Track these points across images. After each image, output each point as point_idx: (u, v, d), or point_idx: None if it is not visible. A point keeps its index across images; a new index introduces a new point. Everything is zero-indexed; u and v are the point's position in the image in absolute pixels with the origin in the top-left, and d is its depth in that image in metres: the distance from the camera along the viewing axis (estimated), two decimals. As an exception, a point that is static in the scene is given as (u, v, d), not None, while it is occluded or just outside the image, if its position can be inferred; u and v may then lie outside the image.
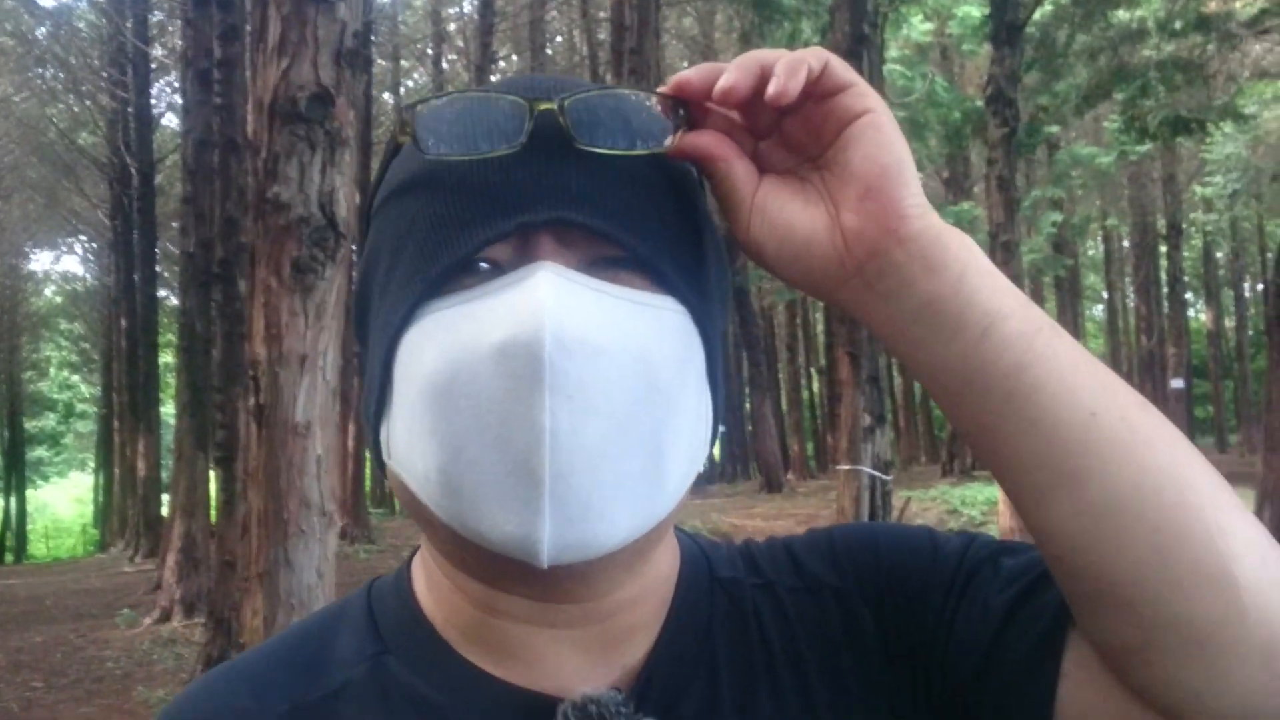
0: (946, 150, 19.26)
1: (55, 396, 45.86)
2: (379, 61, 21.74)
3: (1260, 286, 33.78)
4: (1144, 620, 0.64)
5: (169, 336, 23.71)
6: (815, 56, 0.68)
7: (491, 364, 0.64)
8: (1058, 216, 20.78)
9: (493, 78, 18.55)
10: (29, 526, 34.92)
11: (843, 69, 0.69)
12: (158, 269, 21.93)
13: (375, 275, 0.75)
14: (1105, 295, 40.50)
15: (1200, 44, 14.93)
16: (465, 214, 0.68)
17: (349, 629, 0.80)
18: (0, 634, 12.15)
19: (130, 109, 19.56)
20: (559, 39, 25.96)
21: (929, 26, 18.00)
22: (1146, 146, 17.88)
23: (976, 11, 16.46)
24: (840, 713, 0.78)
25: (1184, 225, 26.68)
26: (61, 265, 54.32)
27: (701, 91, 0.69)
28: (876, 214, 0.68)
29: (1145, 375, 31.53)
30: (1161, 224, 26.90)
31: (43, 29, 23.74)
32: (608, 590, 0.73)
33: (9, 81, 24.60)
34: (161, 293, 23.12)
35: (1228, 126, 16.95)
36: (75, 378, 44.80)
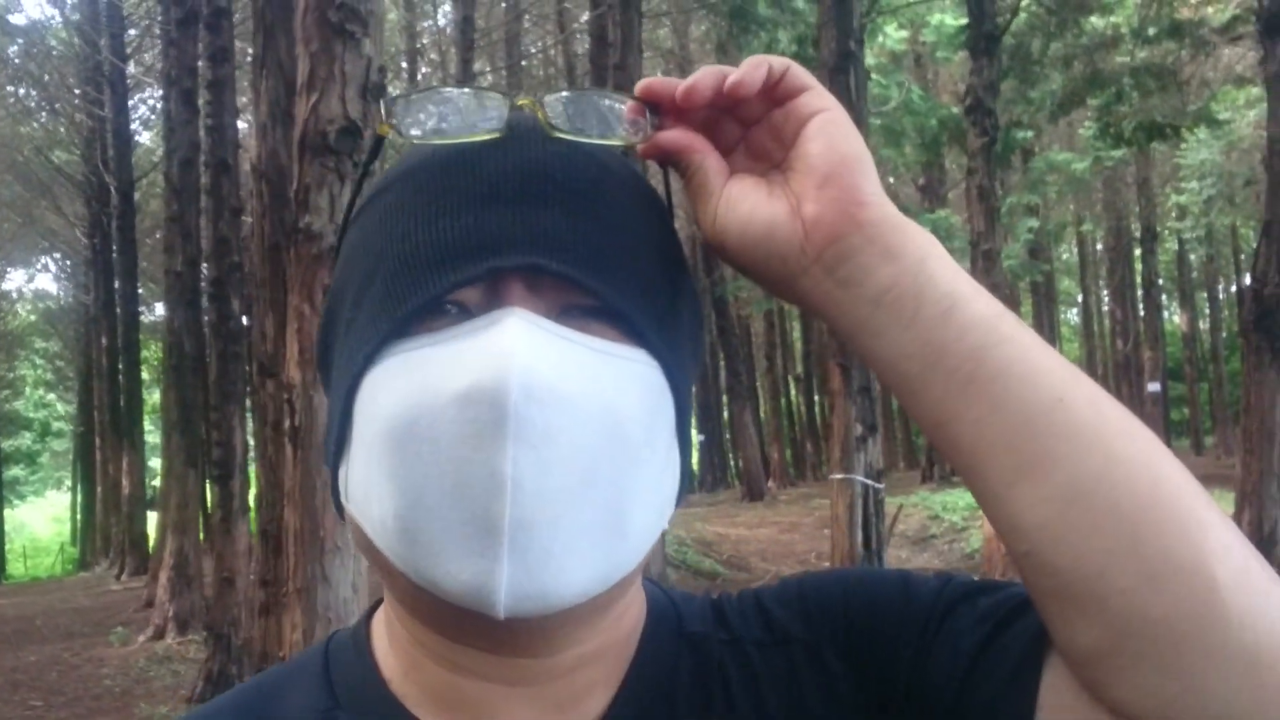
0: (923, 158, 19.46)
1: (31, 415, 45.59)
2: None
3: (1234, 289, 34.16)
4: (1116, 620, 0.61)
5: (145, 354, 23.66)
6: (777, 61, 0.70)
7: (454, 410, 0.62)
8: (1034, 222, 21.01)
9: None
10: (6, 546, 34.67)
11: (802, 74, 0.70)
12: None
13: (341, 310, 0.73)
14: (1080, 300, 40.68)
15: (1173, 50, 15.15)
16: (435, 254, 0.67)
17: (303, 683, 0.78)
18: (-6, 654, 12.16)
19: (108, 126, 19.55)
20: (535, 52, 26.05)
21: (904, 34, 18.21)
22: (1121, 152, 18.07)
23: (950, 20, 16.69)
24: None
25: (1158, 229, 26.96)
26: (35, 283, 53.98)
27: (666, 93, 0.71)
28: (836, 200, 0.68)
29: (1121, 379, 31.79)
30: (1136, 228, 27.18)
31: (14, 46, 23.66)
32: (566, 645, 0.71)
33: (-18, 100, 24.50)
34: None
35: (1201, 132, 17.20)
36: (51, 396, 44.56)
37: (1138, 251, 27.28)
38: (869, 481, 7.84)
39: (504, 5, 22.50)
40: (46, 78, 23.51)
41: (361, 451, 0.68)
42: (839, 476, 7.88)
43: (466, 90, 0.72)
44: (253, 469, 8.82)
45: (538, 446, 0.62)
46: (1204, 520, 0.62)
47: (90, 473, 26.81)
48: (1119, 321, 30.38)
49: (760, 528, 17.87)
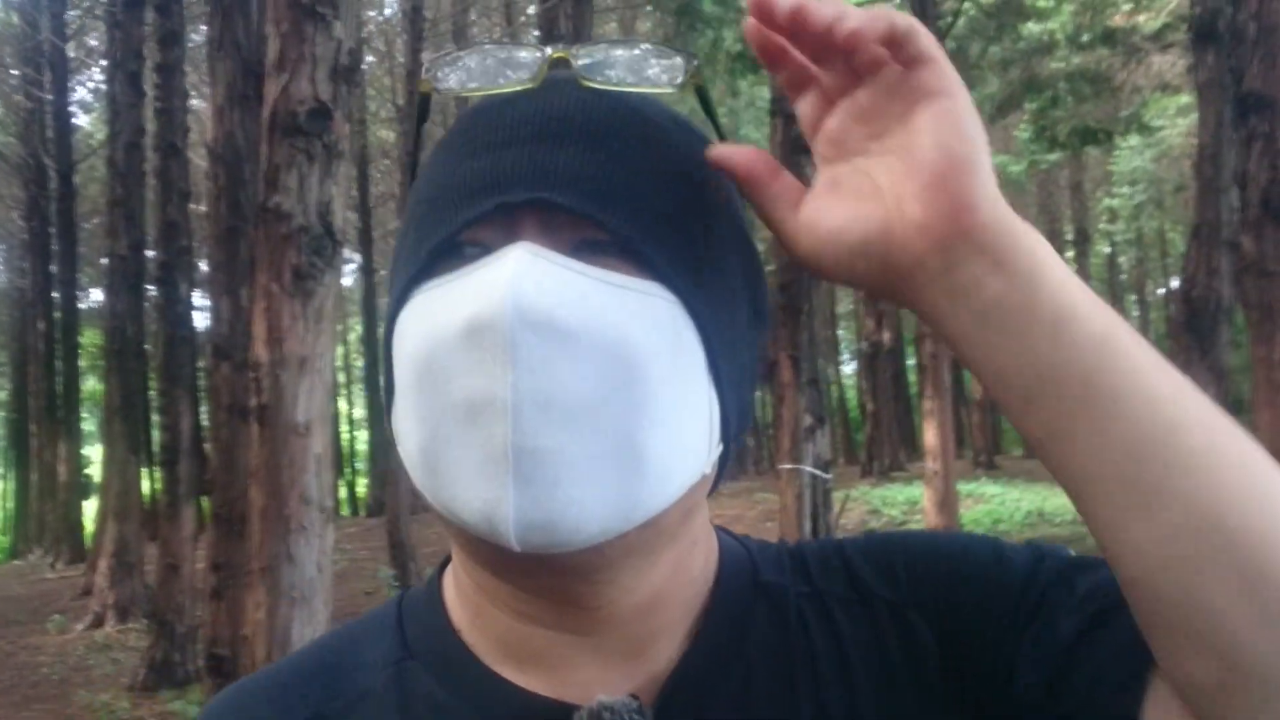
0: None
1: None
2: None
3: (1162, 291, 34.86)
4: (1228, 657, 0.59)
5: (82, 340, 23.28)
6: (901, 20, 0.63)
7: (460, 340, 0.63)
8: (972, 223, 21.30)
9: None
10: (-68, 534, 33.92)
11: (927, 41, 0.63)
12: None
13: (395, 265, 0.75)
14: (1014, 299, 41.36)
15: (1107, 57, 15.49)
16: (454, 196, 0.68)
17: (376, 636, 0.79)
18: (-72, 642, 11.97)
19: (47, 108, 19.25)
20: (483, 44, 25.94)
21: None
22: (1056, 155, 18.42)
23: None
24: None
25: (1090, 232, 27.46)
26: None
27: (779, 11, 0.63)
28: (944, 206, 0.63)
29: (1053, 376, 32.37)
30: (1069, 231, 27.67)
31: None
32: (613, 595, 0.71)
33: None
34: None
35: (1133, 138, 17.57)
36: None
37: (1070, 253, 27.74)
38: (817, 472, 7.98)
39: (452, -5, 22.43)
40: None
41: (398, 394, 0.69)
42: (788, 467, 8.00)
43: (504, 45, 0.72)
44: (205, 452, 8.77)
45: (536, 370, 0.61)
46: None
47: (24, 460, 26.32)
48: (1053, 321, 30.81)
49: (701, 520, 17.94)
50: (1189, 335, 12.09)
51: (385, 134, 25.82)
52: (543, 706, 0.71)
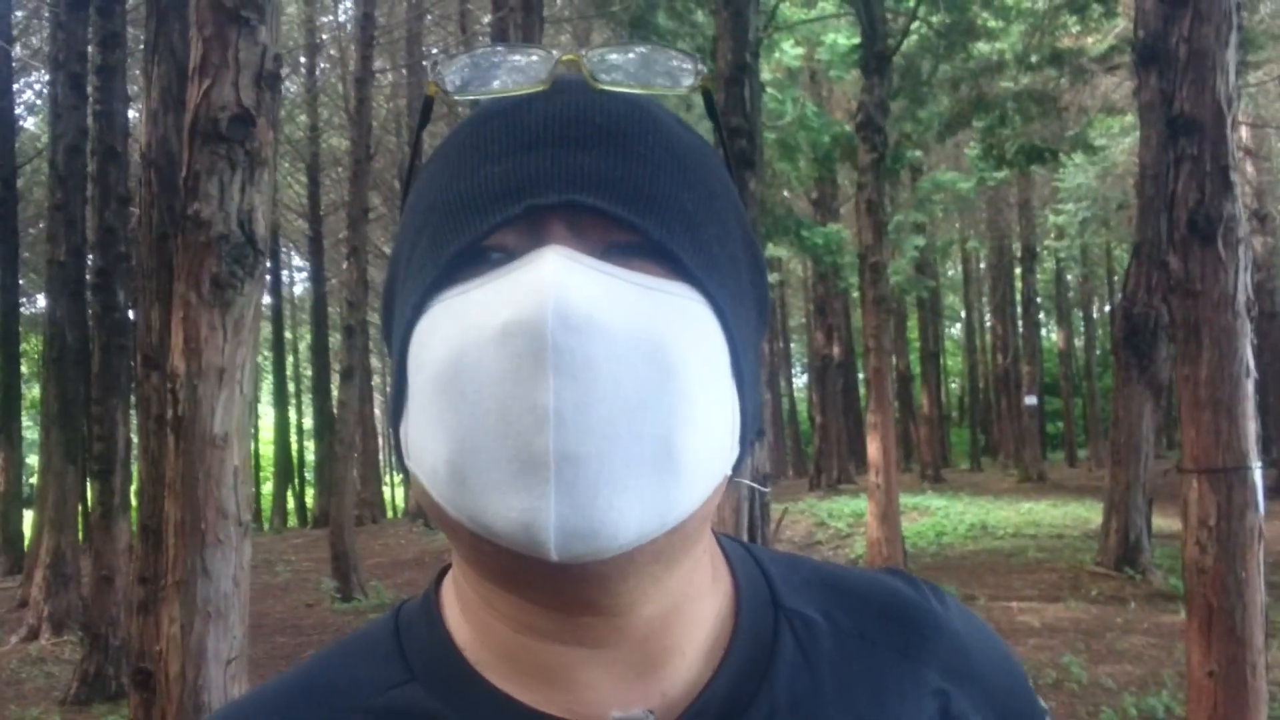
0: (816, 173, 19.82)
1: (-103, 407, 43.70)
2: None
3: (1108, 308, 35.29)
4: None
5: (25, 347, 22.92)
6: None
7: (494, 347, 0.62)
8: (921, 240, 21.53)
9: (371, 89, 18.47)
10: None
11: None
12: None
13: (398, 270, 0.73)
14: (964, 315, 41.59)
15: (1054, 77, 15.71)
16: (476, 200, 0.67)
17: (374, 656, 0.76)
18: None
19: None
20: (436, 52, 25.90)
21: (799, 52, 18.55)
22: (1004, 173, 18.66)
23: (844, 40, 17.07)
24: None
25: (1038, 249, 27.74)
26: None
27: None
28: None
29: (1001, 391, 32.61)
30: (1017, 248, 27.94)
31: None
32: (632, 602, 0.69)
33: None
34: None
35: (1078, 157, 17.80)
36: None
37: (1018, 270, 28.04)
38: (755, 485, 7.97)
39: (406, 4, 22.36)
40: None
41: (415, 405, 0.67)
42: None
43: (513, 47, 0.72)
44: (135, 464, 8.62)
45: (578, 378, 0.60)
46: None
47: (-39, 468, 25.83)
48: (999, 337, 31.07)
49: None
50: (1128, 351, 12.28)
51: (337, 141, 25.65)
52: None
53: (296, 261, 35.97)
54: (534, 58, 0.71)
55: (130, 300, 10.04)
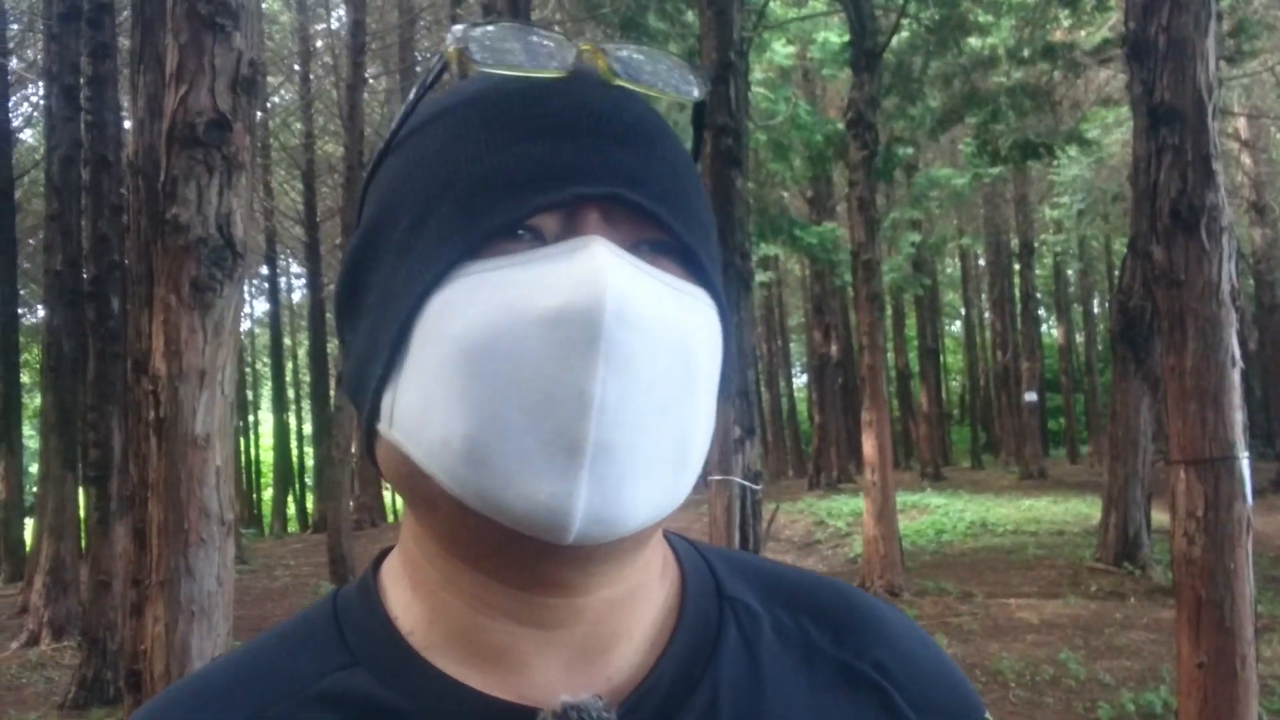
0: (809, 172, 19.81)
1: (-100, 420, 43.75)
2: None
3: (1107, 303, 35.19)
4: None
5: (26, 357, 22.96)
6: None
7: (542, 330, 0.62)
8: (916, 237, 21.55)
9: (365, 95, 18.52)
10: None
11: None
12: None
13: (388, 234, 0.71)
14: (963, 312, 41.47)
15: (1047, 71, 15.66)
16: (515, 178, 0.67)
17: (314, 641, 0.75)
18: None
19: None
20: (427, 57, 25.93)
21: (791, 50, 18.55)
22: (999, 169, 18.63)
23: (835, 38, 17.07)
24: None
25: (1035, 245, 27.66)
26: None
27: None
28: None
29: (1000, 389, 32.55)
30: (1015, 243, 27.87)
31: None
32: (600, 584, 0.70)
33: None
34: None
35: (1073, 150, 17.79)
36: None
37: (1016, 266, 27.97)
38: (746, 483, 7.99)
39: (397, 10, 22.37)
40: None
41: (421, 373, 0.66)
42: (717, 478, 8.01)
43: (535, 28, 0.71)
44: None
45: (622, 370, 0.62)
46: None
47: (-37, 478, 25.88)
48: (999, 333, 30.97)
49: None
50: (1124, 345, 12.28)
51: (332, 148, 25.67)
52: (502, 709, 0.68)
53: (294, 268, 35.98)
54: (551, 44, 0.71)
55: (124, 307, 10.07)
